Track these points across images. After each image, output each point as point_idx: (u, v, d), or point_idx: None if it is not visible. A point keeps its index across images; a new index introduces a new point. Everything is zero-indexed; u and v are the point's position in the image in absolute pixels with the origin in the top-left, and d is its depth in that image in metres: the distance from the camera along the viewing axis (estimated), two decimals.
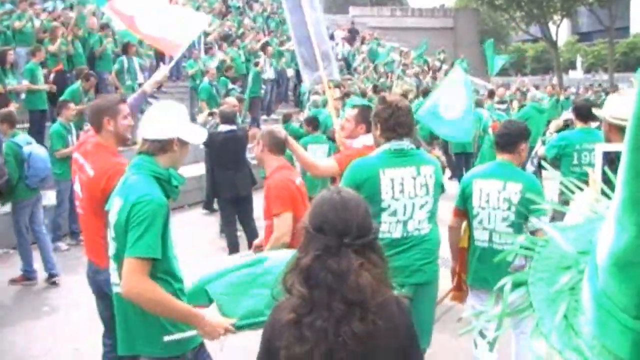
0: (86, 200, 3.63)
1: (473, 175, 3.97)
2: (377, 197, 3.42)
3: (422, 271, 3.54)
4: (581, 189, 1.43)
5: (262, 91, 15.26)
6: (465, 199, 3.89)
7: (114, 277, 2.86)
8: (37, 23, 12.24)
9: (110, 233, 2.80)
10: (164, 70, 5.16)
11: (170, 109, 2.90)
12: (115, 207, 2.72)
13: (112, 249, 2.81)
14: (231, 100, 9.42)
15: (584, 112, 5.61)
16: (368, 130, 4.05)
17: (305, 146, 8.22)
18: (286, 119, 10.56)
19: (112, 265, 2.86)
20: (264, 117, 15.70)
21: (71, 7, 14.20)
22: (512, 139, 3.85)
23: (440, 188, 3.76)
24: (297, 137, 9.99)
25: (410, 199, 3.49)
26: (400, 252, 3.45)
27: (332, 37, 20.48)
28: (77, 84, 10.18)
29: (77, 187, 3.77)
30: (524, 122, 4.65)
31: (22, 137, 6.88)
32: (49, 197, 8.71)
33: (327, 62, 5.77)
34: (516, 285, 1.17)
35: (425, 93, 12.46)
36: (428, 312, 3.67)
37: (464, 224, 4.01)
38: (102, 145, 3.61)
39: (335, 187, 2.06)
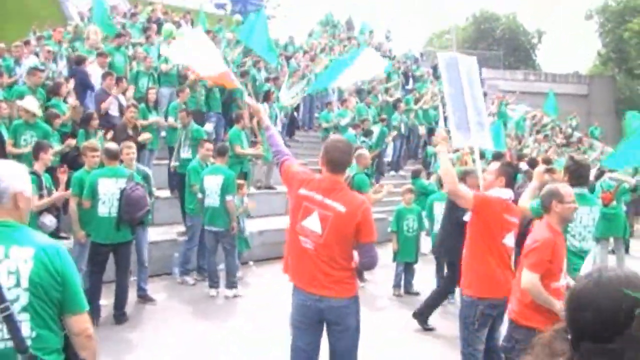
0: (331, 234, 3.69)
1: None
2: None
3: None
4: None
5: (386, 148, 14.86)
6: None
7: None
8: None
9: None
10: (254, 103, 4.87)
11: None
12: None
13: None
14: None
15: None
16: (507, 185, 4.59)
17: (431, 203, 8.61)
18: (415, 175, 10.45)
19: None
20: (392, 172, 15.20)
21: None
22: None
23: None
24: (426, 193, 9.53)
25: (584, 227, 5.19)
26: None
27: None
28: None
29: (309, 223, 3.76)
30: None
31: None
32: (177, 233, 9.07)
33: (480, 131, 6.01)
34: None
35: (547, 162, 10.08)
36: None
37: None
38: (339, 182, 3.81)
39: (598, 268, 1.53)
